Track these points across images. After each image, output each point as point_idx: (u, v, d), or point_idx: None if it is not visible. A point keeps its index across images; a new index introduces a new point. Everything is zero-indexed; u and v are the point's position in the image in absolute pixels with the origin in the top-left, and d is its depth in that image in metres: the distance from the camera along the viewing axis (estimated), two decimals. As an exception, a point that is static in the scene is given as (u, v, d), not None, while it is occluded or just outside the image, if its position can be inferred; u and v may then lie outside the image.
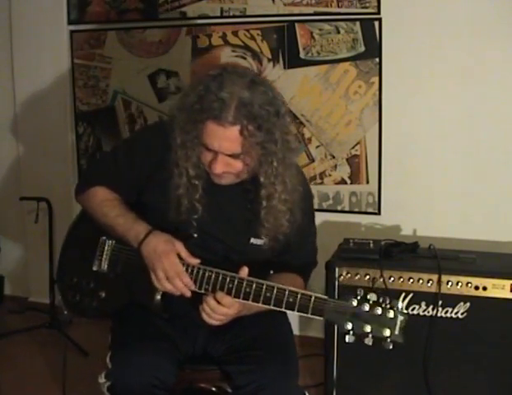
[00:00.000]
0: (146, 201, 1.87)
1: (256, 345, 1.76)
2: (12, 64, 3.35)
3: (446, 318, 2.28)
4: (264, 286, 1.67)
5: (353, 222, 2.94)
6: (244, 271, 1.70)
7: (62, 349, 2.42)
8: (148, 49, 3.13)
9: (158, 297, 1.78)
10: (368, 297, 1.60)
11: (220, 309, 1.69)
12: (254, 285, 1.68)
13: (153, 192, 1.85)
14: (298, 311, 1.65)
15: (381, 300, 1.60)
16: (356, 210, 2.93)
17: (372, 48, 2.79)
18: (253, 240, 1.84)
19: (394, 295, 2.29)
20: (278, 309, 1.67)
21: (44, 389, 2.71)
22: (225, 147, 1.66)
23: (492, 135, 2.69)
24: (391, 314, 1.58)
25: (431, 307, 2.29)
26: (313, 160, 2.97)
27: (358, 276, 2.34)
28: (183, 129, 1.73)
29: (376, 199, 2.90)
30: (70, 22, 3.24)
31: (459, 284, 2.26)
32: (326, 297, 1.66)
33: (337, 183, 2.95)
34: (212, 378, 1.84)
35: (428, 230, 2.79)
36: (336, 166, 2.93)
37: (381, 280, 2.31)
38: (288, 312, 1.70)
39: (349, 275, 2.35)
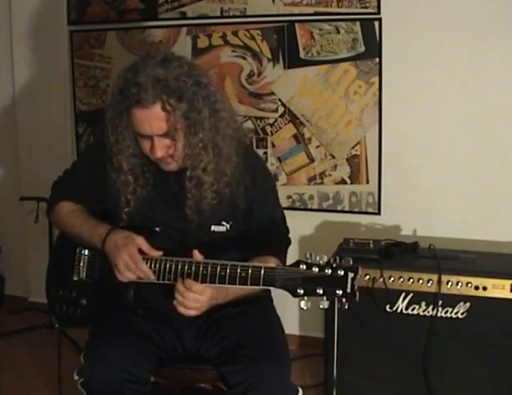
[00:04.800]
0: (106, 205, 1.94)
1: (246, 344, 1.76)
2: (12, 64, 3.34)
3: (446, 318, 2.28)
4: (218, 266, 1.68)
5: (353, 222, 2.94)
6: (196, 254, 1.71)
7: (62, 349, 2.42)
8: (148, 49, 3.12)
9: (131, 293, 1.82)
10: (317, 259, 1.58)
11: (190, 295, 1.69)
12: (210, 267, 1.69)
13: (109, 196, 1.90)
14: (251, 284, 1.64)
15: (331, 261, 1.58)
16: (356, 210, 2.93)
17: (372, 48, 2.79)
18: (214, 228, 1.86)
19: (394, 294, 2.33)
20: (233, 286, 1.66)
21: (44, 389, 2.71)
22: (156, 128, 1.69)
23: (492, 135, 2.69)
24: (341, 273, 1.56)
25: (431, 307, 2.29)
26: (313, 160, 2.97)
27: (358, 275, 2.33)
28: (112, 125, 1.79)
29: (376, 199, 2.90)
30: (70, 22, 3.24)
31: (459, 284, 2.26)
32: (275, 265, 1.66)
33: (337, 183, 2.95)
34: (210, 378, 1.84)
35: (428, 230, 2.79)
36: (336, 166, 2.93)
37: (381, 280, 2.31)
38: (240, 286, 1.67)
39: (349, 275, 2.34)
